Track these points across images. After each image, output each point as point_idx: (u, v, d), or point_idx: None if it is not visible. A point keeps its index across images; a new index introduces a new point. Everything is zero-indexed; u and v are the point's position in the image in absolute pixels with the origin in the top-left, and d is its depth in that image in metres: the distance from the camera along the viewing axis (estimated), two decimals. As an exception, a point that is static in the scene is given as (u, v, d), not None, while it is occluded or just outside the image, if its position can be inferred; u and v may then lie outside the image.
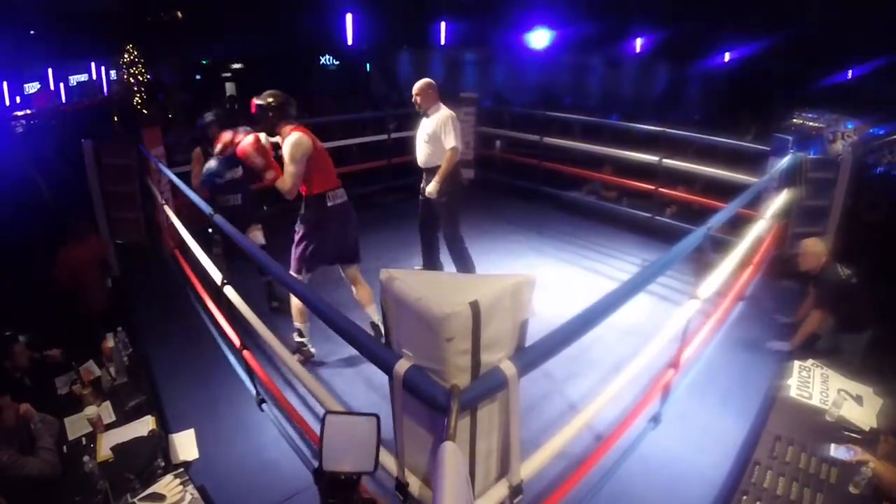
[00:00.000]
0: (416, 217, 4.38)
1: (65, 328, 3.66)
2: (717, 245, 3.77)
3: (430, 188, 3.94)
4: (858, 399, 2.87)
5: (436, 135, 3.92)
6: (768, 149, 4.63)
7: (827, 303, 3.44)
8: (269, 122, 3.20)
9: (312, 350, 3.47)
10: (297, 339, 3.42)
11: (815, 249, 3.50)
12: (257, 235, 4.16)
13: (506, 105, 10.10)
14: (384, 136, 6.60)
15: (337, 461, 1.15)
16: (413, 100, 4.01)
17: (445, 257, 4.43)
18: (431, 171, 4.01)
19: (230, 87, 14.85)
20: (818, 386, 2.99)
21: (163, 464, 2.49)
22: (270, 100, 3.16)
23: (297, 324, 3.39)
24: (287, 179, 3.12)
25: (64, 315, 3.85)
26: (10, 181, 5.98)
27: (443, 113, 3.92)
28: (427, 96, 3.95)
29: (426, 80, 4.01)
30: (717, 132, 5.58)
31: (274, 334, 2.63)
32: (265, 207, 4.54)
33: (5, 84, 12.43)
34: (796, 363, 3.17)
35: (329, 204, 3.25)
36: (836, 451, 2.50)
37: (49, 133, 10.68)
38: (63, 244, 4.07)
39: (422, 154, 4.05)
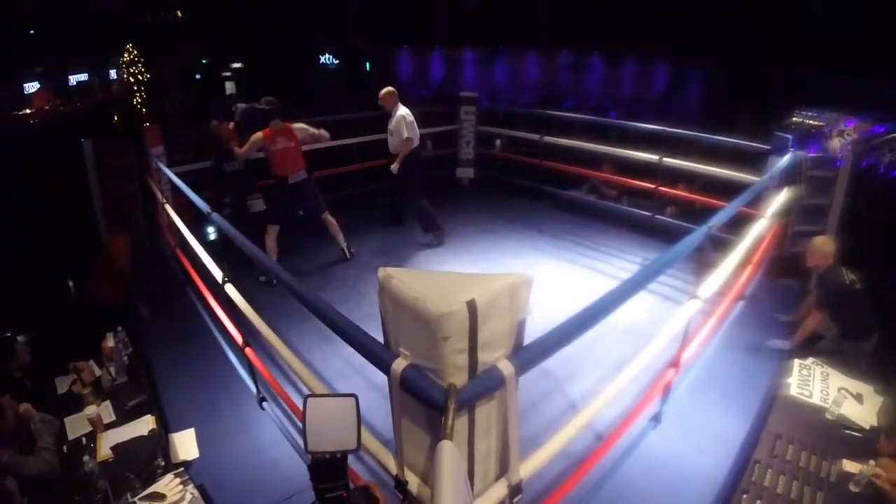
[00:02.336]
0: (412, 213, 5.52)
1: (74, 324, 3.71)
2: (717, 244, 3.76)
3: (393, 167, 5.14)
4: (859, 397, 2.86)
5: (396, 129, 5.08)
6: (768, 147, 4.62)
7: (826, 304, 3.42)
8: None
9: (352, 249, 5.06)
10: (344, 243, 5.01)
11: (823, 248, 3.47)
12: (258, 202, 5.38)
13: (505, 105, 10.08)
14: (384, 136, 6.58)
15: (320, 442, 1.17)
16: (379, 102, 5.13)
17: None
18: (396, 156, 5.19)
19: (230, 87, 14.85)
20: (818, 384, 2.98)
21: (163, 463, 2.48)
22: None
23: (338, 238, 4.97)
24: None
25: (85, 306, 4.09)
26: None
27: (398, 113, 5.05)
28: (388, 100, 5.09)
29: (388, 88, 5.16)
30: (716, 132, 5.55)
31: (275, 332, 2.63)
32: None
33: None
34: (796, 361, 3.16)
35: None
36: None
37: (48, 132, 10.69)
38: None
39: (389, 143, 5.27)
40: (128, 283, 4.29)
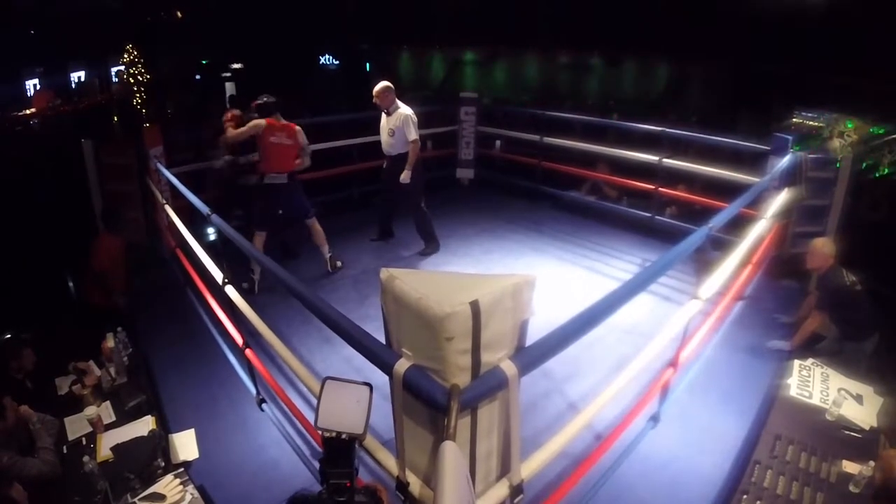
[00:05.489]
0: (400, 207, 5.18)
1: (75, 324, 3.70)
2: (717, 244, 3.76)
3: (404, 176, 4.71)
4: (859, 398, 2.87)
5: (399, 129, 4.68)
6: (768, 148, 4.62)
7: (827, 305, 3.43)
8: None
9: (339, 263, 4.72)
10: (328, 254, 4.65)
11: (824, 250, 3.48)
12: None
13: (505, 104, 10.08)
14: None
15: (330, 421, 1.23)
16: (374, 100, 4.69)
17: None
18: (395, 158, 4.82)
19: (230, 87, 14.83)
20: (818, 385, 2.99)
21: (163, 464, 2.48)
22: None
23: (323, 249, 4.62)
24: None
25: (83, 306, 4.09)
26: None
27: (402, 112, 4.66)
28: (385, 97, 4.65)
29: (384, 83, 4.68)
30: (716, 132, 5.56)
31: (275, 333, 2.63)
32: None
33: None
34: (796, 362, 3.16)
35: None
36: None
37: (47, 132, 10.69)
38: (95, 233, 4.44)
39: (386, 144, 4.86)
40: (113, 283, 4.23)
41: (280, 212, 4.44)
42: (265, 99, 4.28)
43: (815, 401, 2.86)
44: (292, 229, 4.83)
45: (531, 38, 12.91)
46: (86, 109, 13.15)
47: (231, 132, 4.37)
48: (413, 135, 4.66)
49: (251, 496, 2.56)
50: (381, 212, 5.36)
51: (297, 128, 4.35)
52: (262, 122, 4.20)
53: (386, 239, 5.40)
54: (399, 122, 4.66)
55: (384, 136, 4.84)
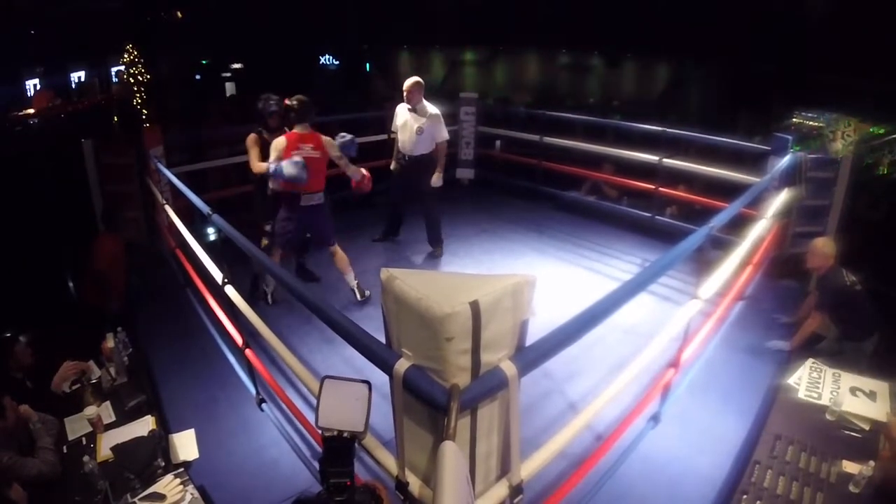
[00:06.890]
0: (409, 210, 5.09)
1: (72, 325, 3.70)
2: (718, 244, 3.76)
3: (436, 179, 4.60)
4: (872, 395, 2.82)
5: (430, 128, 4.51)
6: (768, 148, 4.62)
7: (827, 306, 3.43)
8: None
9: (367, 292, 4.17)
10: (354, 281, 4.16)
11: (824, 250, 3.47)
12: None
13: (507, 104, 10.08)
14: (384, 136, 6.57)
15: (330, 420, 1.24)
16: (404, 95, 4.52)
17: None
18: (417, 158, 4.62)
19: (230, 87, 14.83)
20: (829, 386, 2.95)
21: (163, 464, 2.48)
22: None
23: (348, 276, 4.15)
24: None
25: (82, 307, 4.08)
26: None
27: (431, 110, 4.52)
28: (416, 93, 4.49)
29: (416, 78, 4.55)
30: (715, 132, 5.56)
31: (275, 333, 2.63)
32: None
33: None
34: (804, 364, 3.13)
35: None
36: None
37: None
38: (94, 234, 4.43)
39: (410, 143, 4.60)
40: (113, 284, 4.21)
41: (307, 236, 4.23)
42: (291, 103, 3.79)
43: (825, 402, 2.82)
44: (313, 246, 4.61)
45: (531, 38, 12.91)
46: (86, 109, 13.15)
47: (256, 166, 3.94)
48: (446, 134, 4.56)
49: (251, 496, 2.57)
50: (393, 214, 5.17)
51: (324, 138, 3.87)
52: (281, 140, 3.76)
53: (387, 239, 5.36)
54: (430, 120, 4.51)
55: (408, 135, 4.57)
